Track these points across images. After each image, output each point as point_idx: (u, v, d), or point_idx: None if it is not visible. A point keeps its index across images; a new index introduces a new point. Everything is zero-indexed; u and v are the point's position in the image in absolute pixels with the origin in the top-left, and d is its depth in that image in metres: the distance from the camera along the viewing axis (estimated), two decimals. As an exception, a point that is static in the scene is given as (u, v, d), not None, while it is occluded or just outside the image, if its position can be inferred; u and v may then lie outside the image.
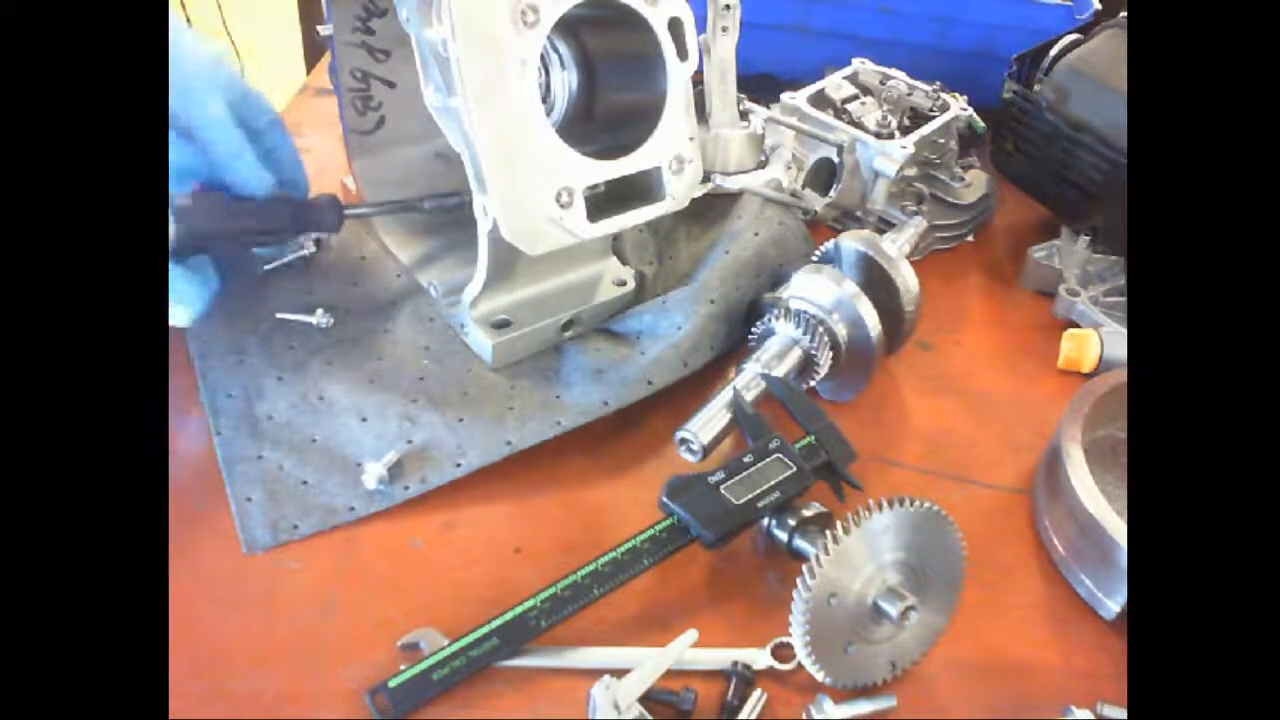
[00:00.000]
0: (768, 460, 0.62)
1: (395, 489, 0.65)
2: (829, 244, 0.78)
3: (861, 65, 1.03)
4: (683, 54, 0.71)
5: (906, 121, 0.98)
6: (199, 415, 0.69)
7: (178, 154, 0.68)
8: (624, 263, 0.82)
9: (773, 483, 0.60)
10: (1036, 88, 0.91)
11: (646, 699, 0.53)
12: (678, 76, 0.71)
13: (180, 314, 0.68)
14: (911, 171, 0.92)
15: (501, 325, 0.74)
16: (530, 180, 0.65)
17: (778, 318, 0.73)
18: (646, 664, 0.54)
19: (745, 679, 0.56)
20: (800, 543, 0.59)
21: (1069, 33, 0.93)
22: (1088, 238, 0.89)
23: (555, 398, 0.71)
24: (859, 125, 0.94)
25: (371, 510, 0.64)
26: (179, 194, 0.69)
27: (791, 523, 0.60)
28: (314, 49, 1.69)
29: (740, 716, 0.54)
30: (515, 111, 0.64)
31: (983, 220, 0.99)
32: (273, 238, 0.75)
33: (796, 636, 0.54)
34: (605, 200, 0.70)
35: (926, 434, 0.76)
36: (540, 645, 0.56)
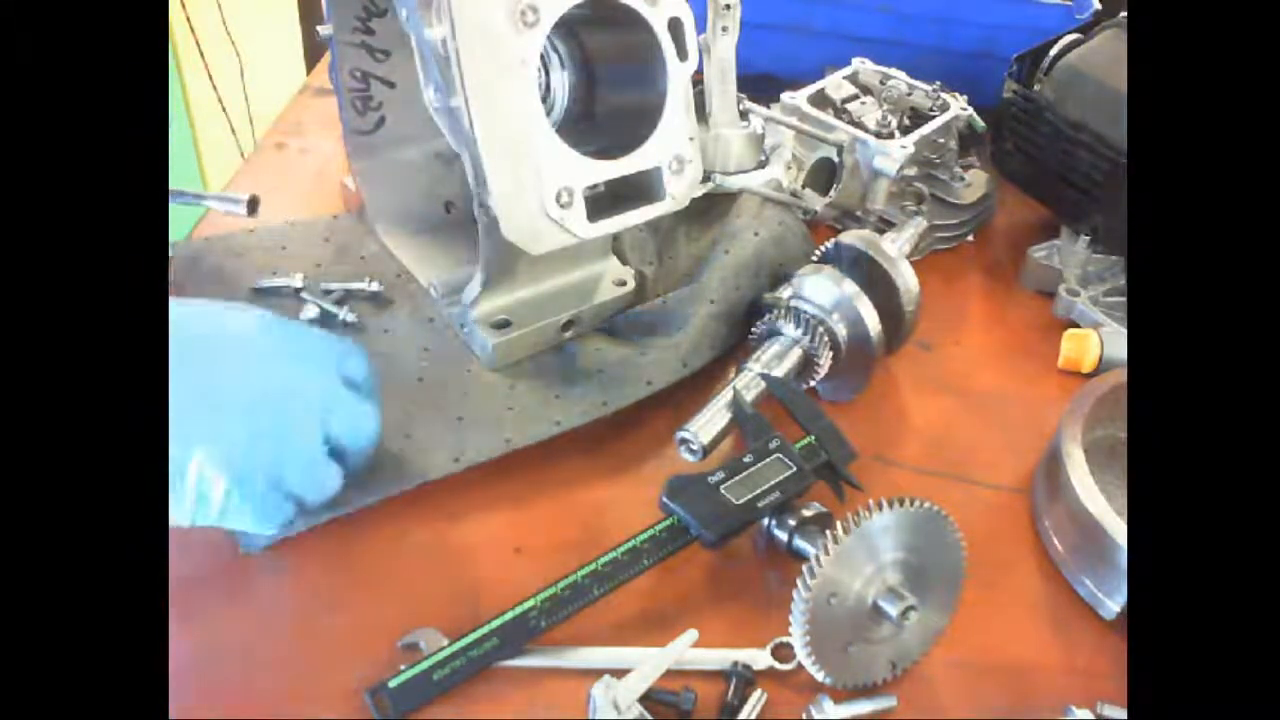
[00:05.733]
0: (768, 460, 0.62)
1: (393, 485, 0.65)
2: (829, 244, 0.78)
3: (861, 65, 1.03)
4: (683, 54, 0.71)
5: (906, 121, 0.98)
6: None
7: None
8: (624, 263, 0.82)
9: (773, 483, 0.60)
10: (1036, 88, 0.91)
11: (646, 699, 0.53)
12: (678, 76, 0.71)
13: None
14: (911, 171, 0.92)
15: (501, 325, 0.74)
16: (530, 180, 0.65)
17: (778, 318, 0.73)
18: (646, 664, 0.54)
19: (745, 679, 0.56)
20: (800, 543, 0.59)
21: (1069, 33, 0.93)
22: (1088, 238, 0.89)
23: (555, 398, 0.71)
24: (859, 125, 0.93)
25: (367, 503, 0.63)
26: None
27: (791, 523, 0.60)
28: (314, 49, 1.69)
29: (740, 716, 0.54)
30: (515, 111, 0.64)
31: (983, 220, 0.99)
32: None
33: (796, 636, 0.54)
34: (605, 200, 0.70)
35: (926, 434, 0.76)
36: (540, 645, 0.56)
